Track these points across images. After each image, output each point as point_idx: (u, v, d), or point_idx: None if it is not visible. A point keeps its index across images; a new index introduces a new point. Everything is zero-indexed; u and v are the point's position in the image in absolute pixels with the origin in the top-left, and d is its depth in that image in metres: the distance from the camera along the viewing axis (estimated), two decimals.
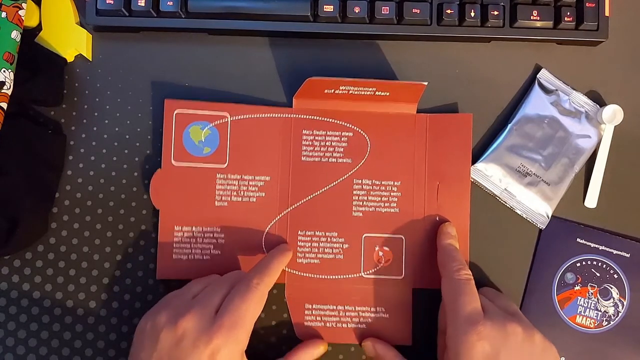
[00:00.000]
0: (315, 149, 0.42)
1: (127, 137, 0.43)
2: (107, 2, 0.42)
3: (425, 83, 0.39)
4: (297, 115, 0.43)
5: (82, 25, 0.44)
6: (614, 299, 0.43)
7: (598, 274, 0.43)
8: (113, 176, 0.43)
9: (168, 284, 0.42)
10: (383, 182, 0.42)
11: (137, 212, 0.42)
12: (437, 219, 0.42)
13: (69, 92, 0.43)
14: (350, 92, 0.41)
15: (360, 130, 0.43)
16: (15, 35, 0.39)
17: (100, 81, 0.44)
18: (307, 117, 0.43)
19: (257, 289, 0.36)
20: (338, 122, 0.43)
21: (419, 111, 0.43)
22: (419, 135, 0.43)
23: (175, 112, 0.41)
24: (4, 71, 0.39)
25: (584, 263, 0.43)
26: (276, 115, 0.42)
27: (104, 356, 0.41)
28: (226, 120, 0.42)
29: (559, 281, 0.43)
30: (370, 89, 0.41)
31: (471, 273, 0.38)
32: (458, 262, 0.38)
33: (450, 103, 0.44)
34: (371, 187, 0.42)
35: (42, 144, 0.41)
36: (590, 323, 0.42)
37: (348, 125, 0.43)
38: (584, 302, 0.43)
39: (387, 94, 0.41)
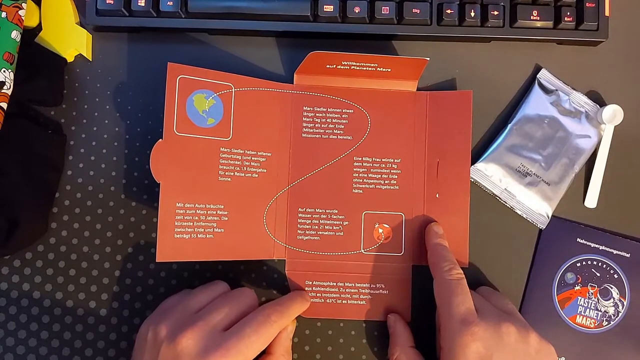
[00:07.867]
0: (316, 125, 0.43)
1: (127, 137, 0.43)
2: (107, 2, 0.42)
3: (427, 58, 0.39)
4: (298, 92, 0.43)
5: (82, 25, 0.44)
6: (614, 299, 0.43)
7: (598, 274, 0.43)
8: (113, 176, 0.43)
9: (169, 284, 0.42)
10: (383, 160, 0.42)
11: (137, 212, 0.42)
12: (437, 196, 0.42)
13: (69, 92, 0.43)
14: (352, 67, 0.41)
15: (360, 108, 0.43)
16: (15, 35, 0.40)
17: (100, 81, 0.44)
18: (308, 93, 0.43)
19: (272, 327, 0.35)
20: (339, 99, 0.43)
21: (418, 90, 0.43)
22: (419, 112, 0.43)
23: (179, 77, 0.39)
24: (4, 71, 0.39)
25: (584, 263, 0.43)
26: (277, 91, 0.42)
27: (104, 356, 0.41)
28: (230, 91, 0.41)
29: (559, 281, 0.43)
30: (372, 65, 0.41)
31: (462, 272, 0.38)
32: (449, 261, 0.38)
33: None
34: (371, 165, 0.42)
35: (42, 144, 0.41)
36: (590, 323, 0.42)
37: (349, 102, 0.43)
38: (584, 302, 0.43)
39: (389, 70, 0.41)
